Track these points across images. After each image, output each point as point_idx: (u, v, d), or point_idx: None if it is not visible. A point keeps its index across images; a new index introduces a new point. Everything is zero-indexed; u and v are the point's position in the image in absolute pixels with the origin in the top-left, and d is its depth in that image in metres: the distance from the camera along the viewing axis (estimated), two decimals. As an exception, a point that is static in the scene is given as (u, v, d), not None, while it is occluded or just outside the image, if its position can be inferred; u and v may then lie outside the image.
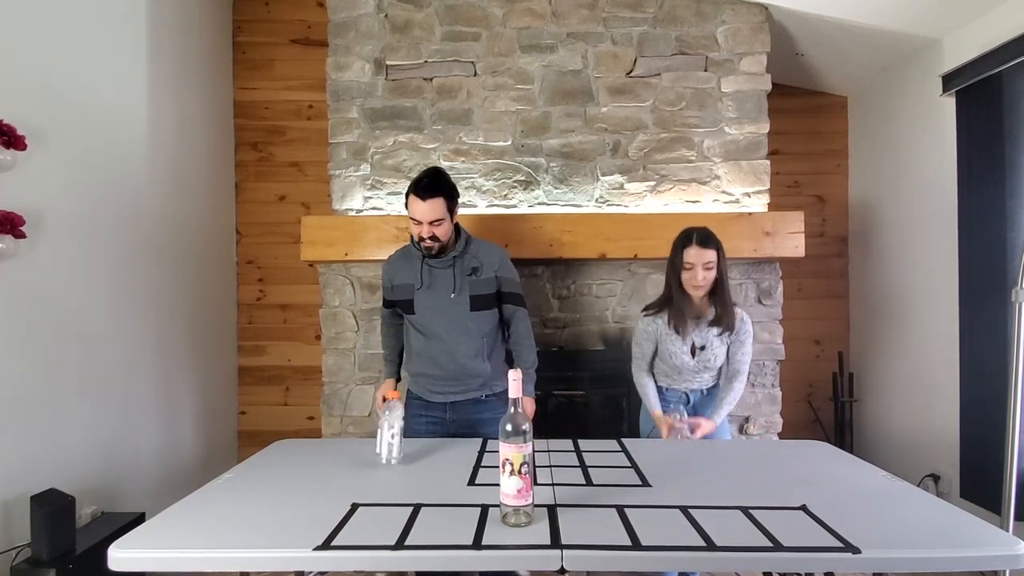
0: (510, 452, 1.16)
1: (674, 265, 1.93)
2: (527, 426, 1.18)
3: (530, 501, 1.19)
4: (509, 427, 1.17)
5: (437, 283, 1.94)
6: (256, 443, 3.16)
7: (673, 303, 1.94)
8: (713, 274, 1.88)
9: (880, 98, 3.21)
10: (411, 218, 1.87)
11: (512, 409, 1.19)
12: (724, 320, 1.92)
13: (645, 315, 2.01)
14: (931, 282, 2.81)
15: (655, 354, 2.02)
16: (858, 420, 3.37)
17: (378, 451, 1.59)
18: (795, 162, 3.46)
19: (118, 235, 2.39)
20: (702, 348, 1.95)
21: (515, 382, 1.20)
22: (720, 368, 2.02)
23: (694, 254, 1.87)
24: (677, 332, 1.93)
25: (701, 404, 2.03)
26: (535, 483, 1.38)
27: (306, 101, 3.31)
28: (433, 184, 1.84)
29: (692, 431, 1.90)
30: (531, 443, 1.18)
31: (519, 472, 1.16)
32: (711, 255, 1.87)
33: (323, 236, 2.60)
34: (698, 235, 1.89)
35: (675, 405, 1.98)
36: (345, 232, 2.60)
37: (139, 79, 2.55)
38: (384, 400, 1.66)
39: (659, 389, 2.03)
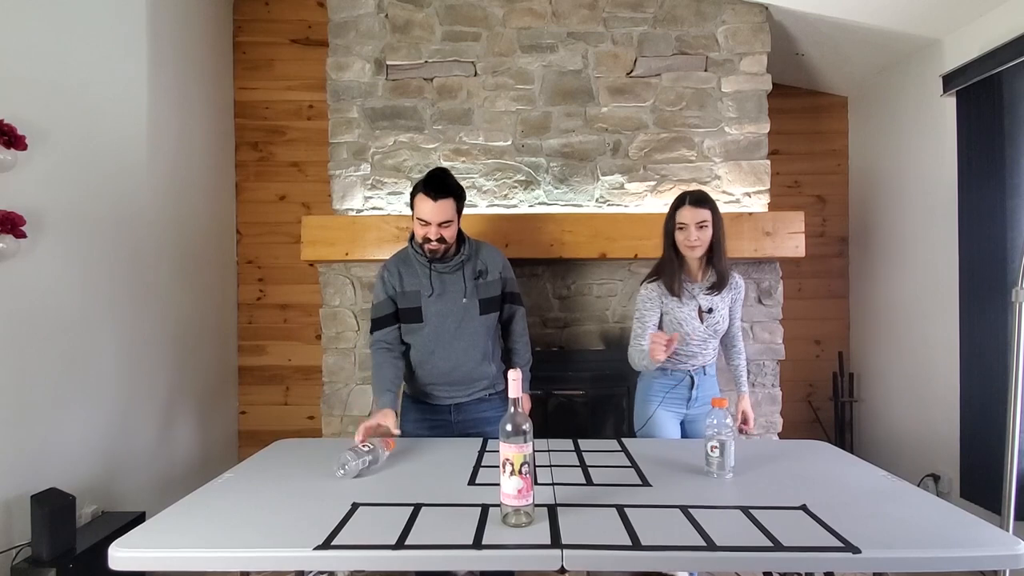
0: (510, 452, 1.16)
1: (668, 227, 1.94)
2: (527, 426, 1.18)
3: (530, 501, 1.19)
4: (509, 427, 1.17)
5: (447, 289, 1.88)
6: (256, 443, 3.16)
7: (667, 266, 1.94)
8: (708, 234, 1.88)
9: (880, 98, 3.21)
10: (418, 219, 1.79)
11: (512, 409, 1.19)
12: (719, 277, 1.94)
13: (647, 283, 1.97)
14: (931, 282, 2.81)
15: (660, 327, 1.95)
16: (858, 420, 3.37)
17: (338, 468, 1.47)
18: (795, 162, 3.47)
19: (118, 235, 2.39)
20: (709, 311, 1.94)
21: (515, 382, 1.20)
22: (720, 336, 2.02)
23: (687, 213, 1.88)
24: (673, 294, 1.92)
25: (704, 384, 2.00)
26: (535, 483, 1.39)
27: (306, 101, 3.31)
28: (444, 184, 1.78)
29: (744, 427, 2.07)
30: (531, 443, 1.18)
31: (519, 472, 1.16)
32: (704, 214, 1.88)
33: (323, 236, 2.60)
34: (691, 195, 1.91)
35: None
36: (345, 232, 2.60)
37: (139, 79, 2.55)
38: (367, 436, 1.56)
39: (660, 382, 1.98)
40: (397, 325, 1.91)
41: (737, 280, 2.01)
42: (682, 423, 2.02)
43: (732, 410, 2.11)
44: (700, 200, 1.90)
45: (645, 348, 1.85)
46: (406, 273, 1.90)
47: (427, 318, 1.88)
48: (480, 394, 1.97)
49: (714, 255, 1.93)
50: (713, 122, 2.72)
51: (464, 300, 1.88)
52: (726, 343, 2.09)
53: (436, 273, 1.88)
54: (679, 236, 1.91)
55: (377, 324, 1.91)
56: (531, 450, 1.18)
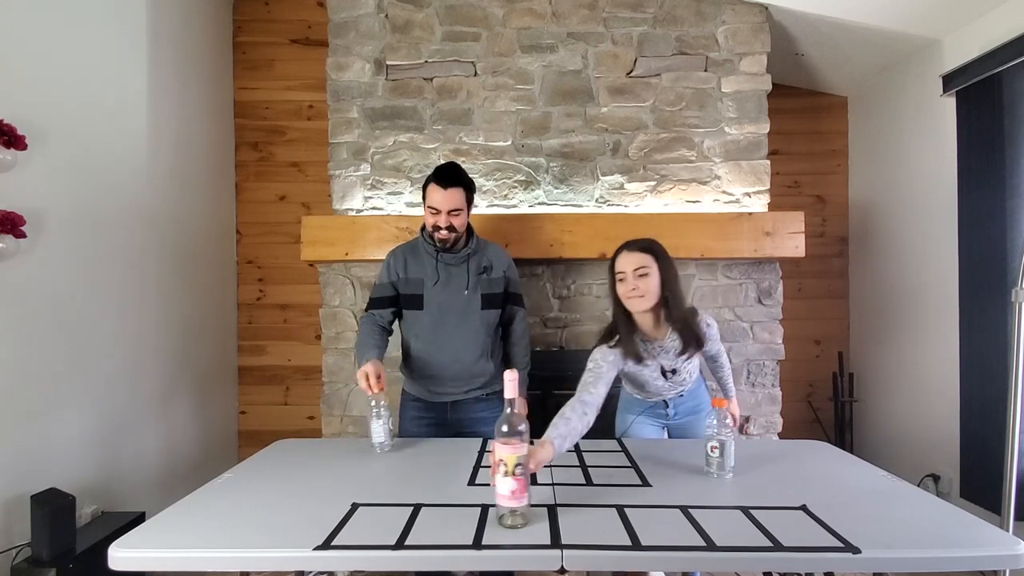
0: (504, 453, 1.16)
1: (611, 282, 1.71)
2: (523, 427, 1.18)
3: (525, 502, 1.18)
4: (505, 428, 1.17)
5: (451, 279, 1.94)
6: (256, 443, 3.16)
7: (619, 328, 1.69)
8: (649, 283, 1.64)
9: (880, 98, 3.21)
10: (429, 207, 1.87)
11: (508, 410, 1.18)
12: (689, 339, 1.70)
13: (607, 346, 1.68)
14: (931, 282, 2.81)
15: (612, 383, 1.66)
16: (858, 420, 3.37)
17: (373, 442, 1.68)
18: (795, 162, 3.46)
19: (118, 235, 2.39)
20: (673, 372, 1.76)
21: (511, 383, 1.20)
22: (692, 382, 1.87)
23: (623, 260, 1.67)
24: (636, 360, 1.69)
25: (680, 403, 1.89)
26: (535, 483, 1.38)
27: (306, 101, 3.31)
28: (454, 174, 1.88)
29: (738, 427, 1.98)
30: (526, 444, 1.18)
31: (513, 473, 1.16)
32: (643, 258, 1.65)
33: (323, 236, 2.60)
34: (630, 243, 1.70)
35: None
36: (345, 232, 2.60)
37: (139, 79, 2.55)
38: (372, 387, 1.68)
39: (637, 401, 1.90)
40: (391, 310, 1.99)
41: (708, 329, 1.77)
42: (667, 430, 1.95)
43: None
44: (639, 246, 1.68)
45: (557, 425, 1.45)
46: (412, 261, 1.97)
47: (427, 306, 1.93)
48: (478, 392, 1.98)
49: (669, 310, 1.67)
50: (713, 122, 2.72)
51: (466, 292, 1.93)
52: (708, 362, 1.96)
53: (443, 264, 1.94)
54: (619, 288, 1.68)
55: (373, 304, 1.98)
56: (526, 451, 1.18)
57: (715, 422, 1.47)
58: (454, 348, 1.93)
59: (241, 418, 3.34)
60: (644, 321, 1.70)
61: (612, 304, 1.73)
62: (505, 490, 1.17)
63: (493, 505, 1.25)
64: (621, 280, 1.67)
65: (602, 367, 1.63)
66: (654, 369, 1.76)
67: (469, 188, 1.92)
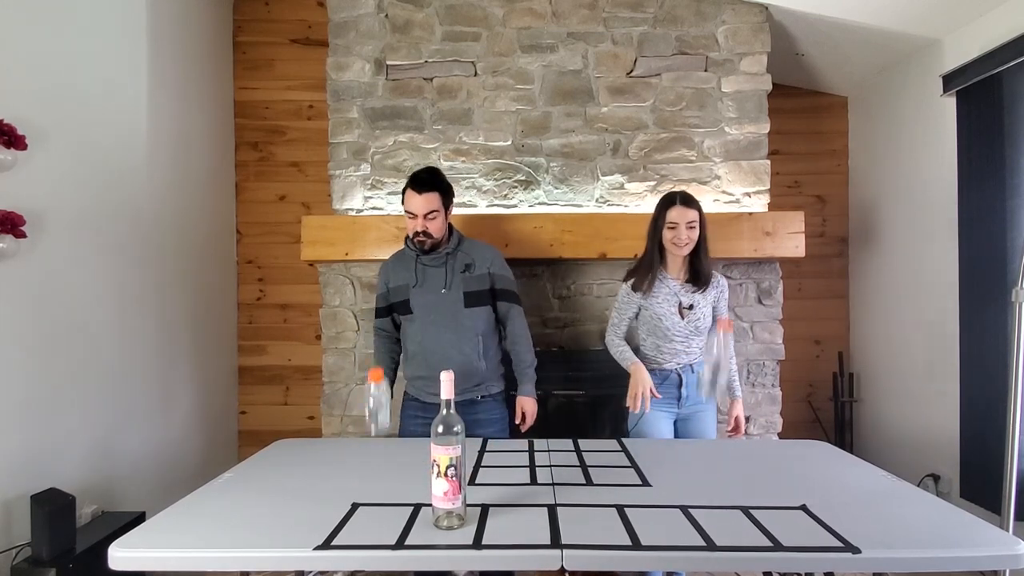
0: (438, 453, 1.15)
1: (656, 226, 1.99)
2: (459, 427, 1.16)
3: (459, 504, 1.17)
4: (440, 428, 1.16)
5: (430, 280, 1.98)
6: (256, 443, 3.16)
7: (645, 264, 2.00)
8: (696, 233, 1.95)
9: (880, 98, 3.21)
10: (406, 211, 1.93)
11: (443, 410, 1.17)
12: (702, 276, 1.99)
13: (626, 284, 2.04)
14: (931, 282, 2.81)
15: (634, 321, 2.06)
16: (858, 420, 3.37)
17: (379, 421, 1.68)
18: (795, 162, 3.46)
19: (118, 235, 2.39)
20: (690, 307, 1.98)
21: (447, 383, 1.19)
22: (706, 333, 2.03)
23: (677, 213, 1.94)
24: (637, 290, 1.99)
25: (692, 380, 1.99)
26: (535, 483, 1.38)
27: (306, 101, 3.31)
28: (429, 179, 1.91)
29: (735, 433, 2.04)
30: (461, 445, 1.16)
31: (445, 474, 1.15)
32: (694, 214, 1.94)
33: (323, 236, 2.60)
34: (680, 196, 1.98)
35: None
36: (345, 232, 2.60)
37: (139, 79, 2.55)
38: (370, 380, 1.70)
39: (650, 372, 1.96)
40: (391, 316, 2.09)
41: (720, 280, 2.04)
42: (675, 423, 2.01)
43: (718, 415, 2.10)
44: (689, 201, 1.97)
45: (622, 349, 2.02)
46: (399, 267, 2.03)
47: (415, 309, 1.98)
48: (472, 394, 1.99)
49: (698, 255, 1.98)
50: (713, 122, 2.72)
51: (444, 291, 1.96)
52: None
53: (422, 265, 1.99)
54: (668, 235, 1.96)
55: (376, 313, 2.13)
56: (460, 452, 1.16)
57: (714, 341, 1.51)
58: (444, 349, 1.95)
59: (241, 418, 3.34)
60: (675, 262, 2.01)
61: (648, 243, 2.03)
62: (439, 491, 1.15)
63: (494, 505, 1.25)
64: (672, 228, 1.96)
65: (623, 307, 2.04)
66: (672, 305, 1.99)
67: (446, 192, 1.95)
